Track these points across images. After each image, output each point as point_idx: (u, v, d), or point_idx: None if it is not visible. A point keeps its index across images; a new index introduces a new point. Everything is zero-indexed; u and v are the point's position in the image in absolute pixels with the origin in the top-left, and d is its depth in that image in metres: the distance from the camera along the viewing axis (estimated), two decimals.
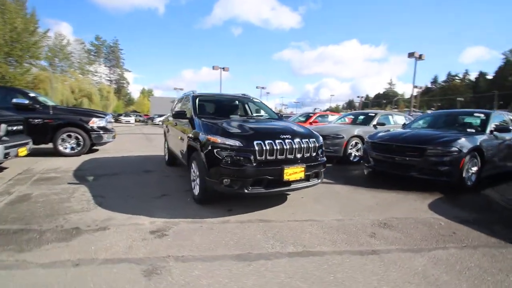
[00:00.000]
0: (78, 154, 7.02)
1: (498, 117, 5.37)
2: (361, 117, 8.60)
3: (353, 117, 9.14)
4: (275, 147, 3.06)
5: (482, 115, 5.36)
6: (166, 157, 6.16)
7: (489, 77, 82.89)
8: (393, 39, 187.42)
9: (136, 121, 36.54)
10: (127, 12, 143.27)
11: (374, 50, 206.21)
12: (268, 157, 3.04)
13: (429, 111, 29.83)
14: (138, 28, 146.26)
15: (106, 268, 2.08)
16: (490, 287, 1.97)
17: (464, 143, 4.41)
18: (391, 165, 4.89)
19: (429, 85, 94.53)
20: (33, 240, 2.50)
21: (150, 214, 3.19)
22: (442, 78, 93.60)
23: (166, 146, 6.11)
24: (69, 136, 6.97)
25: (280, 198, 3.79)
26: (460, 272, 2.15)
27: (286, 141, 3.16)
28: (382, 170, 5.16)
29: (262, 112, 4.96)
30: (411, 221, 3.16)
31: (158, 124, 32.09)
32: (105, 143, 7.73)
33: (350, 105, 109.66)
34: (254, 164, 2.98)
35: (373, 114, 7.82)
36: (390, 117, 7.94)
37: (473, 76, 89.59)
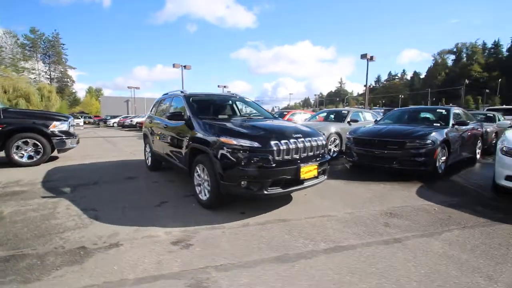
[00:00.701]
0: (37, 163, 6.12)
1: (455, 112, 6.18)
2: (332, 115, 9.12)
3: (325, 115, 9.63)
4: (290, 147, 3.08)
5: (443, 111, 6.11)
6: (149, 161, 5.73)
7: (422, 76, 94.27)
8: (341, 42, 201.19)
9: (85, 123, 33.11)
10: (68, 4, 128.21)
11: (325, 52, 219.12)
12: (285, 157, 3.05)
13: (376, 108, 32.81)
14: (81, 21, 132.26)
15: None
16: (499, 260, 2.29)
17: (436, 136, 4.99)
18: (374, 158, 5.29)
19: (374, 84, 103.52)
20: (36, 267, 2.13)
21: (158, 224, 2.96)
22: (384, 77, 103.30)
23: (149, 150, 5.69)
24: (26, 143, 6.03)
25: (286, 197, 3.83)
26: (472, 250, 2.44)
27: (299, 140, 3.20)
28: (365, 164, 5.54)
29: (255, 112, 4.92)
30: (410, 209, 3.47)
31: (112, 127, 29.62)
32: (68, 149, 6.88)
33: (306, 103, 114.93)
34: (273, 165, 2.96)
35: (346, 112, 8.35)
36: (360, 114, 8.55)
37: (409, 75, 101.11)
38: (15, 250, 2.40)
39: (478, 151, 6.93)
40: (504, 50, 73.40)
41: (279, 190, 3.04)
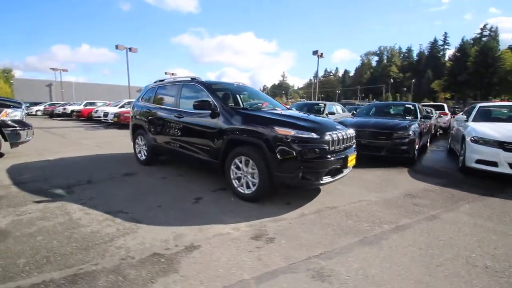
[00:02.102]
0: None
1: (419, 107, 7.28)
2: (306, 107, 9.63)
3: (300, 107, 10.08)
4: (340, 137, 3.23)
5: (411, 106, 7.13)
6: (142, 155, 5.14)
7: (351, 74, 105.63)
8: (283, 37, 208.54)
9: None
10: None
11: (268, 45, 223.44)
12: (336, 147, 3.19)
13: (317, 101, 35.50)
14: None
15: (268, 286, 1.81)
16: (509, 224, 2.91)
17: (415, 127, 5.83)
18: (365, 147, 5.88)
19: (312, 79, 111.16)
20: (124, 285, 1.81)
21: (216, 221, 2.78)
22: (321, 73, 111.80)
23: (143, 143, 5.09)
24: None
25: (316, 187, 3.95)
26: (489, 218, 3.03)
27: (342, 131, 3.38)
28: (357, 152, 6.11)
29: (267, 102, 4.88)
30: (420, 191, 4.02)
31: (35, 115, 24.81)
32: (22, 143, 5.62)
33: None
34: (329, 155, 3.07)
35: (323, 105, 8.92)
36: (333, 107, 9.25)
37: (340, 73, 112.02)
38: (72, 269, 1.96)
39: (428, 140, 8.34)
40: (415, 55, 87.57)
41: (330, 179, 3.18)
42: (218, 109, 3.64)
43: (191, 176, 4.43)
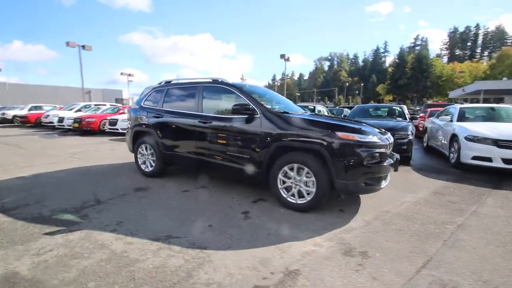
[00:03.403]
0: None
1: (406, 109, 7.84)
2: None
3: None
4: (391, 141, 3.21)
5: (398, 108, 7.62)
6: (148, 166, 4.49)
7: (306, 78, 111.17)
8: (240, 39, 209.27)
9: None
10: None
11: (226, 47, 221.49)
12: (390, 151, 3.16)
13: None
14: None
15: None
16: None
17: (412, 128, 6.24)
18: None
19: (271, 82, 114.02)
20: None
21: (287, 237, 2.51)
22: (278, 77, 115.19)
23: (149, 152, 4.45)
24: None
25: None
26: None
27: (388, 134, 3.37)
28: None
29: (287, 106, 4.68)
30: (444, 189, 4.22)
31: None
32: None
33: None
34: (388, 159, 3.02)
35: (313, 107, 9.07)
36: (322, 108, 9.48)
37: (296, 76, 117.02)
38: None
39: None
40: (361, 61, 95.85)
41: (385, 183, 3.13)
42: (259, 113, 3.34)
43: (215, 187, 4.00)
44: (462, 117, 6.54)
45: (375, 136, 2.97)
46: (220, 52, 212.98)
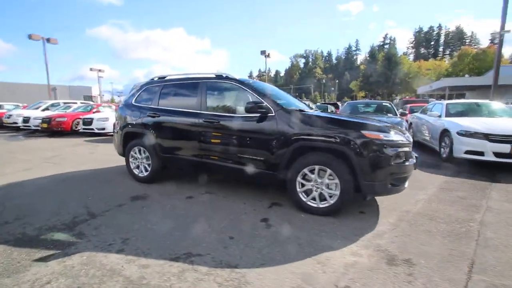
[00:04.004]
0: None
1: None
2: None
3: None
4: (411, 140, 3.12)
5: (388, 104, 7.75)
6: (142, 171, 4.06)
7: (282, 74, 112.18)
8: (215, 35, 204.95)
9: None
10: None
11: (200, 42, 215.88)
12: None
13: None
14: None
15: None
16: None
17: (404, 123, 6.34)
18: None
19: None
20: None
21: (320, 247, 2.31)
22: (255, 73, 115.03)
23: (143, 156, 4.00)
24: None
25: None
26: None
27: (407, 133, 3.28)
28: None
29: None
30: (445, 183, 4.29)
31: None
32: None
33: None
34: (412, 158, 2.92)
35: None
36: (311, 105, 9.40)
37: (272, 73, 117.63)
38: None
39: None
40: (334, 58, 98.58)
41: (407, 183, 3.03)
42: (273, 112, 3.09)
43: (221, 192, 3.69)
44: (449, 113, 6.78)
45: (399, 135, 2.86)
46: (194, 48, 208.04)
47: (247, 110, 3.07)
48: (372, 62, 71.17)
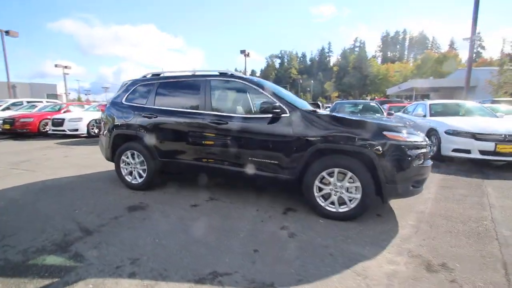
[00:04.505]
0: None
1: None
2: None
3: None
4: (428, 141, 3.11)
5: (375, 105, 7.92)
6: (136, 177, 3.66)
7: (258, 74, 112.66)
8: (189, 33, 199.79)
9: None
10: None
11: (173, 40, 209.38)
12: None
13: None
14: None
15: None
16: None
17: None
18: None
19: None
20: None
21: (352, 256, 2.17)
22: None
23: (139, 161, 3.61)
24: None
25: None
26: None
27: (422, 134, 3.26)
28: None
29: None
30: (442, 181, 4.39)
31: None
32: None
33: None
34: (430, 158, 2.89)
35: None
36: None
37: (248, 73, 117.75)
38: None
39: None
40: (308, 60, 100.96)
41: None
42: (288, 112, 2.91)
43: (226, 198, 3.43)
44: (433, 113, 7.08)
45: (418, 136, 2.83)
46: (167, 46, 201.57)
47: (262, 111, 2.86)
48: (345, 64, 73.94)
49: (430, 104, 7.41)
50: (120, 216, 2.91)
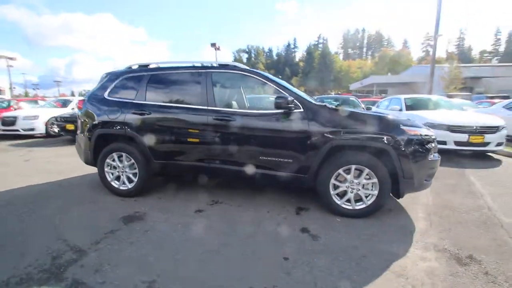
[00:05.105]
0: None
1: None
2: None
3: None
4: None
5: (354, 99, 8.15)
6: (125, 182, 3.23)
7: None
8: (151, 24, 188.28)
9: None
10: None
11: (134, 31, 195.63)
12: None
13: None
14: None
15: None
16: None
17: None
18: None
19: None
20: None
21: (385, 255, 2.12)
22: None
23: (128, 164, 3.18)
24: None
25: None
26: (503, 182, 3.88)
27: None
28: None
29: None
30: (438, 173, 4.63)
31: None
32: None
33: None
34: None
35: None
36: None
37: None
38: None
39: None
40: (275, 55, 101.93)
41: None
42: (302, 108, 2.75)
43: (230, 201, 3.19)
44: (408, 107, 7.48)
45: (429, 130, 2.87)
46: (127, 37, 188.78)
47: (277, 106, 2.66)
48: (310, 60, 76.10)
49: (404, 99, 7.81)
50: (116, 229, 2.52)
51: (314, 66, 73.25)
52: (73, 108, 9.59)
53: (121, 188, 3.29)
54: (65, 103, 9.83)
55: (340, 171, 2.71)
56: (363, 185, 2.70)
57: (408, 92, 29.07)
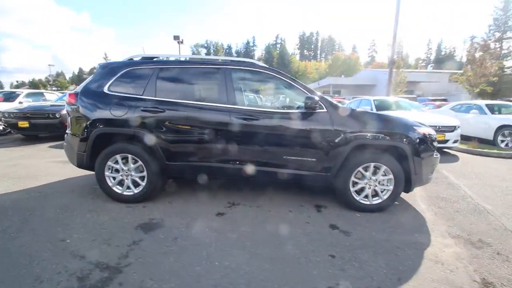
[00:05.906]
0: None
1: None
2: None
3: None
4: None
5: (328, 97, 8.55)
6: (131, 187, 2.91)
7: None
8: (96, 10, 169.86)
9: None
10: None
11: (76, 18, 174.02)
12: None
13: None
14: None
15: None
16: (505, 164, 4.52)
17: None
18: None
19: None
20: None
21: (418, 244, 2.31)
22: None
23: (133, 167, 2.86)
24: None
25: None
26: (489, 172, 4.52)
27: None
28: None
29: None
30: None
31: None
32: None
33: (77, 79, 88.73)
34: None
35: None
36: None
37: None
38: None
39: None
40: (234, 52, 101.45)
41: None
42: (325, 108, 2.83)
43: (248, 202, 3.13)
44: (377, 107, 8.16)
45: (432, 130, 3.18)
46: (67, 23, 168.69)
47: (307, 107, 2.69)
48: (269, 59, 77.59)
49: (374, 100, 8.50)
50: (138, 240, 2.28)
51: (273, 65, 74.81)
52: (21, 102, 8.29)
53: (124, 193, 2.96)
54: (9, 97, 8.42)
55: (360, 169, 2.86)
56: (379, 181, 2.90)
57: (360, 93, 31.75)
